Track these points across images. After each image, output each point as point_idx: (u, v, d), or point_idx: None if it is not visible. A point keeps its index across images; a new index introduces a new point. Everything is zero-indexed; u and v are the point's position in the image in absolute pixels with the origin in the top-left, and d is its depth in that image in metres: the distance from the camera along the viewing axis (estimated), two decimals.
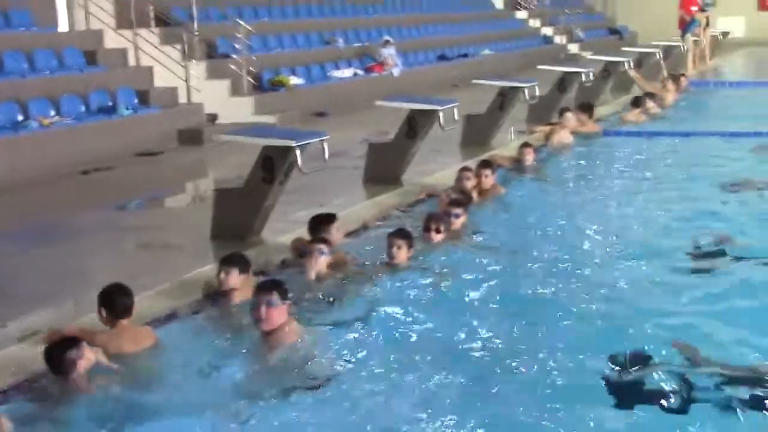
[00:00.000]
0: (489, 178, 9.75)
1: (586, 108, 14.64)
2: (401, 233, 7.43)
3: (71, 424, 4.85)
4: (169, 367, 5.54)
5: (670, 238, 8.29)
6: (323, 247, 7.03)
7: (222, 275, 6.44)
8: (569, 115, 13.67)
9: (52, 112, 12.86)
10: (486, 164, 9.97)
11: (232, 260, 6.56)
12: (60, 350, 5.10)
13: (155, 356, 5.64)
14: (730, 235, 8.12)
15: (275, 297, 5.58)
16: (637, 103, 16.09)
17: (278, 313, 5.59)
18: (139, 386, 5.24)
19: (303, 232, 7.74)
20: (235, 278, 6.45)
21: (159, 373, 5.47)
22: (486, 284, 7.05)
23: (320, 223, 7.56)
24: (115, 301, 5.73)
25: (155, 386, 5.28)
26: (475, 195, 9.36)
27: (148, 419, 4.85)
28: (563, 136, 13.13)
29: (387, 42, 21.36)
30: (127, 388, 5.16)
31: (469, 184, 9.47)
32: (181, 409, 5.01)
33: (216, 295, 6.55)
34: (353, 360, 5.60)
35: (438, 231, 7.78)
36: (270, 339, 5.61)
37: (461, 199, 8.68)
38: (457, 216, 8.24)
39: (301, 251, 7.29)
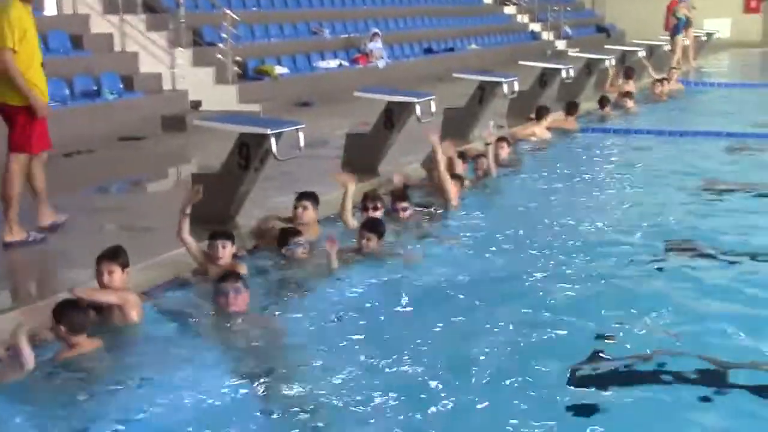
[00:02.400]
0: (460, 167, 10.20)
1: (569, 106, 14.83)
2: (372, 227, 7.65)
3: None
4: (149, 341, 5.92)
5: (631, 235, 8.50)
6: (300, 239, 7.28)
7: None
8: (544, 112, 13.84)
9: None
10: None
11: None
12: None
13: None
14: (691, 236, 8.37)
15: (241, 284, 6.14)
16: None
17: (243, 299, 6.15)
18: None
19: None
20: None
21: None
22: (453, 270, 7.32)
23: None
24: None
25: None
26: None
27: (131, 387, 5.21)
28: (539, 132, 13.36)
29: (375, 35, 21.39)
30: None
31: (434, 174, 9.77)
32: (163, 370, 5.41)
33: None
34: (324, 343, 5.86)
35: (376, 209, 8.21)
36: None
37: (404, 192, 8.99)
38: (404, 209, 8.54)
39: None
